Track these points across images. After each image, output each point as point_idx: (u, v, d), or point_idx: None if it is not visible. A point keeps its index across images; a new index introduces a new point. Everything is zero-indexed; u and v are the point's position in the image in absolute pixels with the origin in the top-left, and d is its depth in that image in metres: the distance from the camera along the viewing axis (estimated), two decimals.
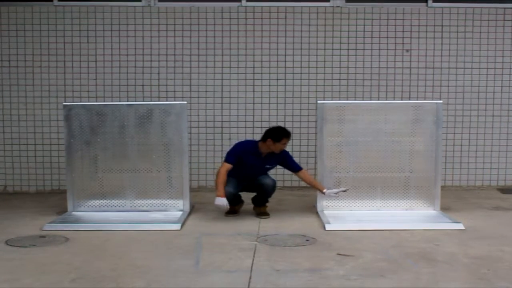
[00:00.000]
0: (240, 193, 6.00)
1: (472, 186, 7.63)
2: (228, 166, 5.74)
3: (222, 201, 5.61)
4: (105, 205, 6.05)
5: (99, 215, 5.85)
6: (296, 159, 6.51)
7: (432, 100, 7.20)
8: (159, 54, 7.43)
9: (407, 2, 7.47)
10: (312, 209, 6.03)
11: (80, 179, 6.05)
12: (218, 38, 7.43)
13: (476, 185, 7.64)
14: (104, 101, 7.21)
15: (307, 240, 4.94)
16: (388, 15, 7.45)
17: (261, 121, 7.46)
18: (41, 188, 7.49)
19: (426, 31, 7.46)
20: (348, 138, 6.07)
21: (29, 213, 6.13)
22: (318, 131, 6.11)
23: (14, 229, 5.38)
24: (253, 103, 7.49)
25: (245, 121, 7.49)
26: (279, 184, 5.94)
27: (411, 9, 7.46)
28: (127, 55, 7.43)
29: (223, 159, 5.88)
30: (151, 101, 7.30)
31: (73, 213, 5.98)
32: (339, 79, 7.47)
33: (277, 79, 7.48)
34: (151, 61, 7.43)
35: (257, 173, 5.88)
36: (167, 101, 7.25)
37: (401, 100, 7.38)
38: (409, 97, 7.45)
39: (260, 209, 5.99)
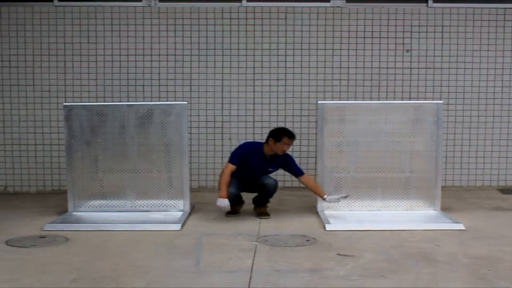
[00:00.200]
0: (240, 193, 6.00)
1: (472, 186, 7.63)
2: (232, 167, 5.74)
3: (224, 202, 5.61)
4: (106, 205, 6.05)
5: (99, 215, 5.85)
6: (297, 160, 6.51)
7: (432, 100, 7.21)
8: (159, 54, 7.43)
9: (407, 2, 7.47)
10: (312, 209, 6.03)
11: (80, 179, 6.05)
12: (218, 38, 7.43)
13: (476, 185, 7.64)
14: (104, 101, 7.22)
15: (308, 240, 4.94)
16: (388, 15, 7.45)
17: (261, 121, 7.46)
18: (41, 188, 7.49)
19: (426, 31, 7.47)
20: (349, 138, 6.07)
21: (30, 213, 6.13)
22: (318, 131, 6.11)
23: (15, 229, 5.38)
24: (253, 103, 7.49)
25: (245, 121, 7.49)
26: (279, 184, 5.94)
27: (411, 9, 7.46)
28: (127, 55, 7.43)
29: (228, 159, 5.88)
30: (151, 101, 7.30)
31: (74, 213, 5.98)
32: (339, 79, 7.47)
33: (277, 79, 7.48)
34: (151, 61, 7.43)
35: (259, 175, 5.88)
36: (167, 101, 7.25)
37: (401, 100, 7.38)
38: (409, 97, 7.45)
39: (261, 209, 5.99)
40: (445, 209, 6.11)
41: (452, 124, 7.51)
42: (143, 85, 7.43)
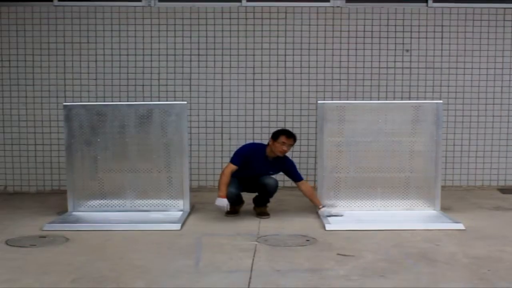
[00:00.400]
0: (240, 193, 5.99)
1: (472, 186, 7.63)
2: (233, 167, 5.74)
3: (223, 202, 5.61)
4: (105, 205, 6.05)
5: (99, 215, 5.85)
6: (296, 160, 6.54)
7: (432, 100, 7.20)
8: (159, 54, 7.43)
9: (407, 2, 7.47)
10: (312, 209, 6.02)
11: (80, 179, 6.05)
12: (218, 38, 7.42)
13: (476, 185, 7.64)
14: (104, 101, 7.21)
15: (308, 240, 4.94)
16: (388, 15, 7.45)
17: (261, 121, 7.46)
18: (41, 188, 7.48)
19: (426, 31, 7.46)
20: (348, 138, 6.07)
21: (29, 213, 6.13)
22: (318, 131, 6.11)
23: (14, 229, 5.38)
24: (253, 103, 7.49)
25: (245, 121, 7.49)
26: (279, 184, 5.94)
27: (411, 9, 7.46)
28: (127, 55, 7.43)
29: (230, 159, 5.88)
30: (151, 101, 7.30)
31: (73, 213, 5.98)
32: (339, 79, 7.47)
33: (277, 79, 7.48)
34: (151, 61, 7.43)
35: (259, 175, 5.88)
36: (167, 101, 7.25)
37: (401, 100, 7.38)
38: (409, 97, 7.45)
39: (261, 209, 5.99)
40: (445, 209, 6.11)
41: (452, 124, 7.51)
42: (143, 85, 7.43)
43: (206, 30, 7.42)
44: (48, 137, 7.43)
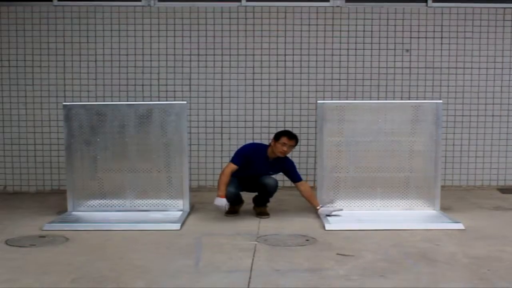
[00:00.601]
0: (240, 192, 5.99)
1: (472, 186, 7.63)
2: (233, 167, 5.74)
3: (222, 202, 5.61)
4: (105, 205, 6.05)
5: (99, 215, 5.85)
6: (296, 159, 6.53)
7: (432, 100, 7.19)
8: (159, 54, 7.42)
9: (407, 2, 7.47)
10: (312, 209, 6.02)
11: (80, 179, 6.05)
12: (218, 38, 7.42)
13: (476, 185, 7.64)
14: (104, 101, 7.21)
15: (307, 240, 4.94)
16: (388, 15, 7.45)
17: (261, 121, 7.46)
18: (41, 188, 7.48)
19: (426, 31, 7.46)
20: (348, 138, 6.07)
21: (29, 213, 6.13)
22: (318, 131, 6.11)
23: (14, 229, 5.38)
24: (253, 103, 7.48)
25: (245, 121, 7.49)
26: (279, 184, 5.95)
27: (411, 9, 7.46)
28: (127, 55, 7.42)
29: (230, 158, 5.88)
30: (151, 101, 7.30)
31: (73, 213, 5.98)
32: (339, 79, 7.47)
33: (277, 79, 7.48)
34: (151, 61, 7.43)
35: (259, 175, 5.88)
36: (167, 101, 7.25)
37: (401, 100, 7.38)
38: (409, 97, 7.45)
39: (260, 209, 5.99)
40: (444, 208, 6.11)
41: (451, 124, 7.51)
42: (143, 85, 7.43)
43: (206, 30, 7.42)
44: (48, 137, 7.44)
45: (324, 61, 7.47)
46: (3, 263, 4.30)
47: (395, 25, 7.46)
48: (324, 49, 7.46)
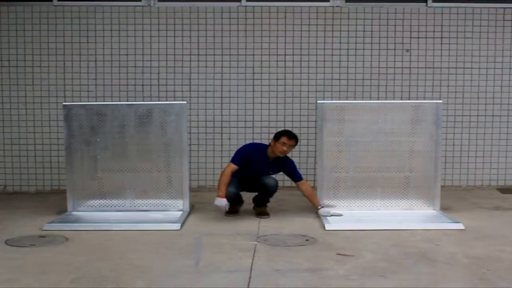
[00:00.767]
0: (240, 192, 5.99)
1: (472, 186, 7.62)
2: (234, 167, 5.74)
3: (222, 202, 5.61)
4: (105, 205, 6.05)
5: (99, 215, 5.85)
6: (296, 159, 6.52)
7: (432, 100, 7.19)
8: (159, 54, 7.42)
9: (407, 2, 7.47)
10: (312, 209, 6.02)
11: (80, 179, 6.05)
12: (218, 38, 7.42)
13: (476, 185, 7.63)
14: (104, 101, 7.21)
15: (307, 240, 4.94)
16: (388, 15, 7.45)
17: (261, 121, 7.46)
18: (41, 188, 7.48)
19: (426, 31, 7.46)
20: (348, 138, 6.07)
21: (29, 213, 6.13)
22: (318, 131, 6.11)
23: (14, 229, 5.38)
24: (253, 103, 7.48)
25: (245, 121, 7.49)
26: (279, 184, 5.94)
27: (411, 9, 7.46)
28: (127, 55, 7.42)
29: (231, 158, 5.88)
30: (151, 101, 7.30)
31: (73, 213, 5.98)
32: (339, 79, 7.47)
33: (277, 79, 7.48)
34: (151, 61, 7.43)
35: (259, 175, 5.88)
36: (167, 101, 7.25)
37: (401, 100, 7.38)
38: (409, 97, 7.45)
39: (260, 209, 5.99)
40: (444, 208, 6.11)
41: (451, 124, 7.51)
42: (143, 85, 7.43)
43: (206, 30, 7.42)
44: (48, 137, 7.44)
45: (324, 61, 7.47)
46: (3, 263, 4.30)
47: (395, 25, 7.46)
48: (324, 49, 7.46)
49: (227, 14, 7.41)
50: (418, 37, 7.47)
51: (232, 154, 5.99)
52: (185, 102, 6.29)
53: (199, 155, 7.46)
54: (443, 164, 7.17)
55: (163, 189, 6.06)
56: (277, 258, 4.39)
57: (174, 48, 7.43)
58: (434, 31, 7.46)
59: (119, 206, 6.04)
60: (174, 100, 7.27)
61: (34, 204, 6.63)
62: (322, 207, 5.85)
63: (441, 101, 6.35)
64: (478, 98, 7.53)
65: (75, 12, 7.37)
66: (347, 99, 7.35)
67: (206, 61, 7.44)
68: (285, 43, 7.45)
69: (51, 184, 7.48)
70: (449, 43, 7.48)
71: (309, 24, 7.44)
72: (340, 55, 7.46)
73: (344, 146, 6.08)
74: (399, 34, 7.46)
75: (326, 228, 5.33)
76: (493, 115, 7.56)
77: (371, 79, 7.48)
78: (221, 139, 7.48)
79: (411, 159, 6.09)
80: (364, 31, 7.46)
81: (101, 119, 6.01)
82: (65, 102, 6.67)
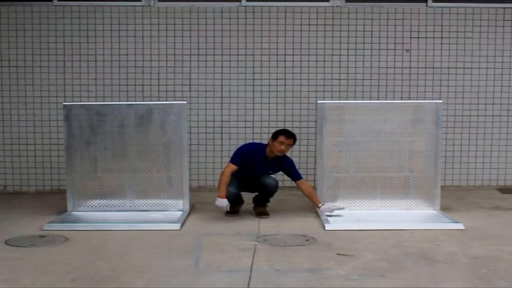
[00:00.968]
0: (240, 193, 5.99)
1: (472, 186, 7.62)
2: (233, 167, 5.74)
3: (223, 202, 5.61)
4: (105, 205, 6.05)
5: (99, 215, 5.86)
6: (296, 159, 6.53)
7: (432, 100, 7.20)
8: (159, 54, 7.43)
9: (407, 2, 7.47)
10: (312, 209, 6.02)
11: (80, 179, 6.04)
12: (218, 38, 7.42)
13: (476, 185, 7.63)
14: (104, 101, 7.21)
15: (307, 240, 4.94)
16: (388, 15, 7.45)
17: (261, 121, 7.46)
18: (41, 188, 7.48)
19: (426, 31, 7.46)
20: (348, 138, 6.07)
21: (29, 213, 6.13)
22: (318, 131, 6.11)
23: (14, 229, 5.38)
24: (253, 103, 7.49)
25: (245, 121, 7.49)
26: (279, 184, 5.94)
27: (411, 9, 7.46)
28: (127, 55, 7.43)
29: (230, 159, 5.88)
30: (151, 101, 7.30)
31: (73, 213, 5.98)
32: (339, 79, 7.47)
33: (277, 79, 7.48)
34: (151, 61, 7.43)
35: (259, 175, 5.88)
36: (167, 101, 7.25)
37: (401, 100, 7.38)
38: (409, 97, 7.45)
39: (260, 209, 5.99)
40: (444, 208, 6.11)
41: (451, 124, 7.51)
42: (143, 85, 7.43)
43: (206, 30, 7.42)
44: (48, 137, 7.44)
45: (324, 61, 7.47)
46: (3, 263, 4.30)
47: (395, 25, 7.46)
48: (324, 49, 7.46)
49: (227, 14, 7.41)
50: (418, 37, 7.47)
51: (232, 154, 5.99)
52: (185, 102, 6.29)
53: (199, 155, 7.47)
54: (443, 164, 7.16)
55: (163, 189, 6.06)
56: (277, 258, 4.39)
57: (174, 48, 7.43)
58: (434, 31, 7.46)
59: (119, 206, 6.04)
60: (174, 100, 7.27)
61: (34, 204, 6.63)
62: (323, 204, 5.84)
63: (441, 101, 6.36)
64: (478, 98, 7.53)
65: (75, 12, 7.37)
66: (347, 99, 7.35)
67: (206, 61, 7.45)
68: (285, 43, 7.45)
69: (51, 184, 7.48)
70: (449, 43, 7.48)
71: (309, 24, 7.44)
72: (340, 55, 7.46)
73: (344, 146, 6.09)
74: (399, 34, 7.46)
75: (326, 228, 5.33)
76: (493, 115, 7.56)
77: (371, 79, 7.48)
78: (221, 139, 7.49)
79: (411, 159, 6.09)
80: (364, 31, 7.46)
81: (101, 119, 6.01)
82: (65, 102, 6.67)
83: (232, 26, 7.42)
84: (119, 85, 7.43)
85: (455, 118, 7.52)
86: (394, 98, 7.42)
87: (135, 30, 7.40)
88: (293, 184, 6.00)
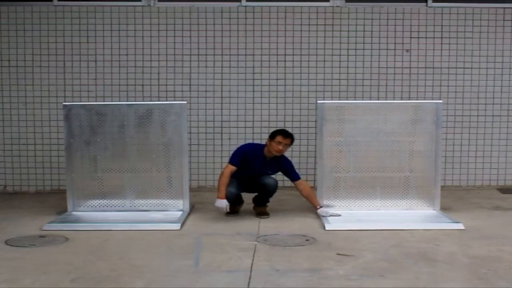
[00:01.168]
0: (240, 193, 5.99)
1: (472, 186, 7.62)
2: (232, 168, 5.74)
3: (222, 203, 5.61)
4: (105, 205, 6.05)
5: (99, 215, 5.85)
6: (296, 159, 6.53)
7: (432, 100, 7.20)
8: (159, 54, 7.43)
9: (407, 2, 7.47)
10: (312, 209, 6.02)
11: (80, 179, 6.04)
12: (218, 38, 7.42)
13: (476, 185, 7.63)
14: (104, 101, 7.21)
15: (307, 240, 4.94)
16: (388, 15, 7.45)
17: (261, 121, 7.46)
18: (41, 188, 7.48)
19: (426, 31, 7.46)
20: (348, 138, 6.07)
21: (29, 213, 6.13)
22: (318, 131, 6.11)
23: (14, 229, 5.38)
24: (253, 103, 7.49)
25: (245, 121, 7.49)
26: (279, 184, 5.95)
27: (411, 9, 7.46)
28: (127, 55, 7.43)
29: (228, 159, 5.88)
30: (151, 101, 7.30)
31: (73, 213, 5.98)
32: (339, 79, 7.47)
33: (277, 79, 7.48)
34: (151, 61, 7.43)
35: (258, 175, 5.87)
36: (167, 101, 7.25)
37: (401, 100, 7.38)
38: (409, 97, 7.45)
39: (260, 209, 5.99)
40: (444, 208, 6.11)
41: (451, 124, 7.51)
42: (143, 85, 7.43)
43: (206, 30, 7.42)
44: (48, 137, 7.44)
45: (324, 61, 7.47)
46: (3, 263, 4.30)
47: (395, 25, 7.46)
48: (324, 49, 7.46)
49: (227, 14, 7.41)
50: (418, 37, 7.47)
51: (231, 155, 5.99)
52: (185, 102, 6.29)
53: (199, 155, 7.47)
54: (443, 164, 7.16)
55: (163, 189, 6.06)
56: (277, 258, 4.39)
57: (174, 48, 7.43)
58: (434, 31, 7.46)
59: (119, 206, 6.04)
60: (174, 100, 7.27)
61: (34, 204, 6.63)
62: (321, 207, 5.85)
63: (441, 101, 6.36)
64: (478, 98, 7.53)
65: (75, 12, 7.38)
66: (347, 99, 7.35)
67: (206, 61, 7.45)
68: (285, 43, 7.45)
69: (51, 184, 7.48)
70: (449, 43, 7.48)
71: (309, 24, 7.44)
72: (340, 55, 7.46)
73: (344, 146, 6.09)
74: (399, 34, 7.46)
75: (326, 228, 5.33)
76: (493, 115, 7.56)
77: (371, 79, 7.48)
78: (221, 139, 7.48)
79: (411, 159, 6.09)
80: (364, 31, 7.46)
81: (101, 119, 6.01)
82: (65, 102, 6.67)
83: (232, 26, 7.42)
84: (119, 85, 7.43)
85: (455, 118, 7.52)
86: (394, 98, 7.42)
87: (135, 30, 7.40)
88: (292, 183, 6.00)
